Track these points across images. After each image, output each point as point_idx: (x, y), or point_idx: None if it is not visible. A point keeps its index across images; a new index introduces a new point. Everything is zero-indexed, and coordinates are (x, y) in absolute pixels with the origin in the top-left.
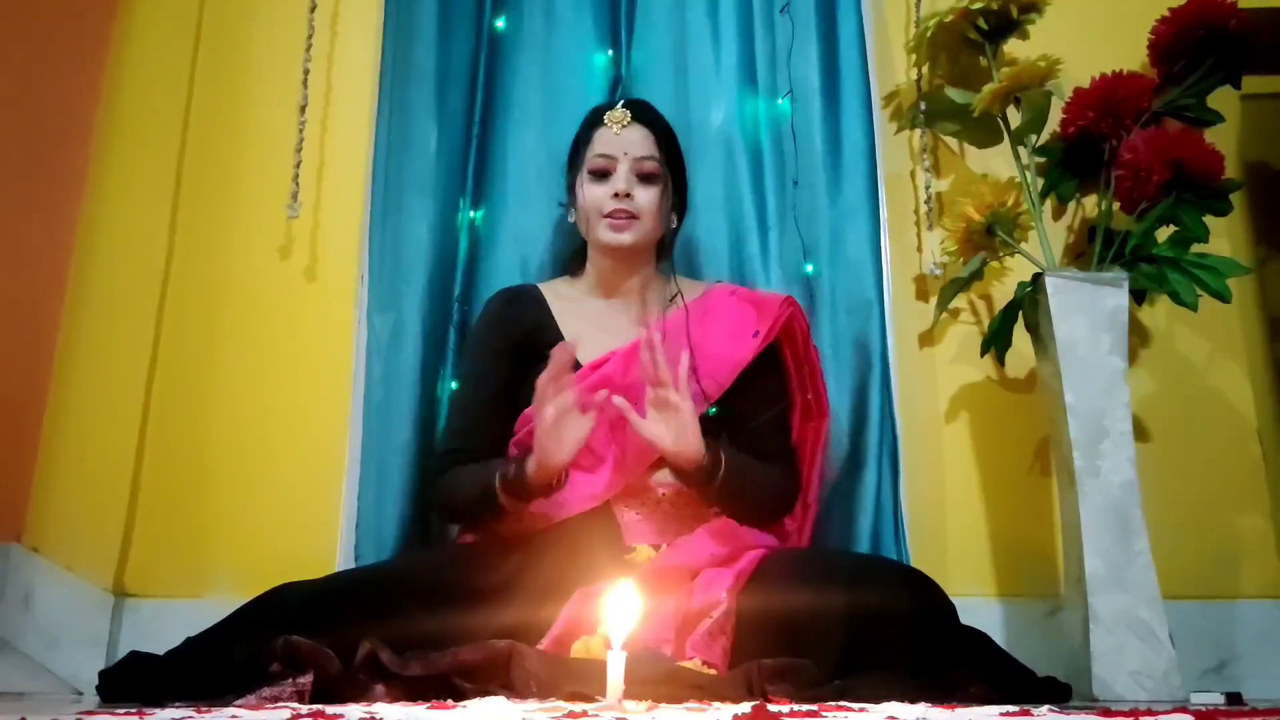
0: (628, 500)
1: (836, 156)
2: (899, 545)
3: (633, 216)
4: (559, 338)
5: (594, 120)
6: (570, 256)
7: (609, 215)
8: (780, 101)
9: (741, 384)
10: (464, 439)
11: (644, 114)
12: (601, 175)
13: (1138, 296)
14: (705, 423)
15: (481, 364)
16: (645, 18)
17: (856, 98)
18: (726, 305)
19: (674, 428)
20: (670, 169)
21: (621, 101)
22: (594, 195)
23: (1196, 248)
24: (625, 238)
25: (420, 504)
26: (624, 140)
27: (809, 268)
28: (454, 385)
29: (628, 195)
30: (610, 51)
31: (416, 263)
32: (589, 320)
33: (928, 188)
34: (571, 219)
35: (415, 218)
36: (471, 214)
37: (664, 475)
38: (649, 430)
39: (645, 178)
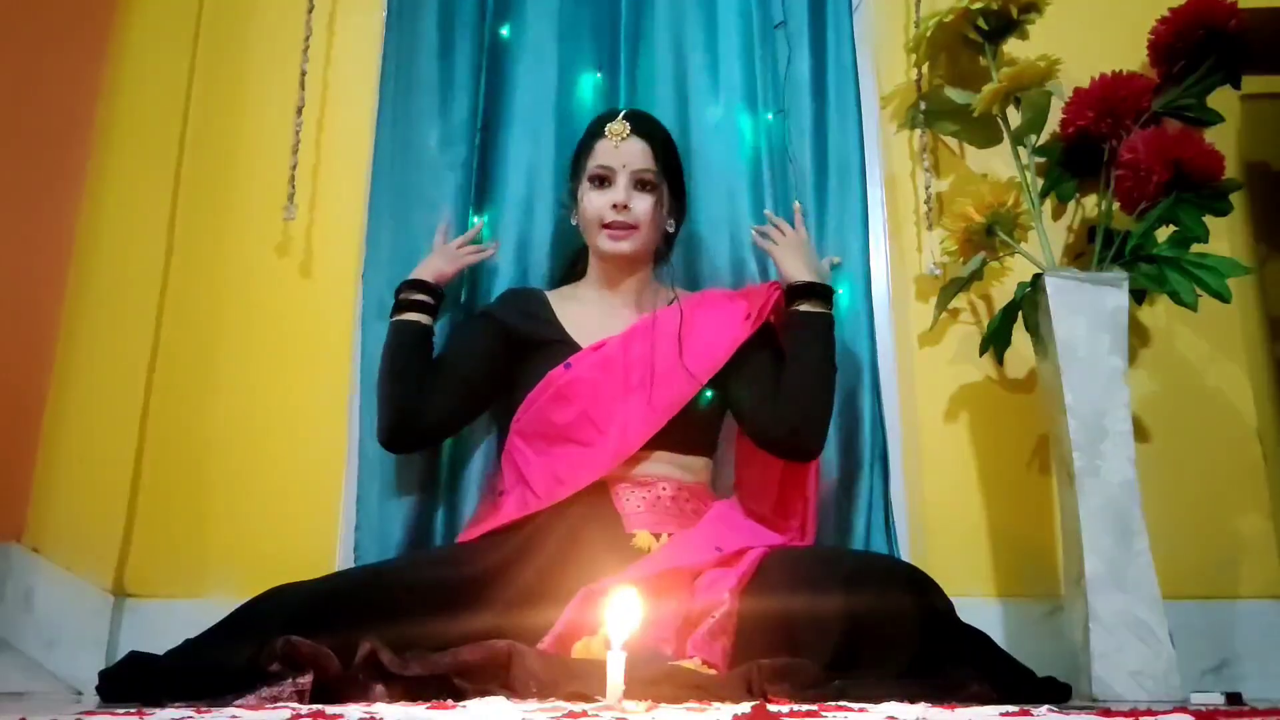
0: (629, 492)
1: (829, 172)
2: (891, 549)
3: (631, 227)
4: (559, 331)
5: (595, 130)
6: (574, 261)
7: (608, 226)
8: (779, 114)
9: (739, 367)
10: None
11: (643, 126)
12: (601, 185)
13: (1138, 296)
14: (699, 405)
15: (470, 326)
16: (645, 32)
17: (851, 112)
18: (719, 297)
19: (783, 246)
20: (668, 175)
21: (622, 113)
22: (594, 205)
23: (1196, 248)
24: (624, 246)
25: (423, 504)
26: (623, 153)
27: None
28: None
29: (626, 207)
30: (610, 66)
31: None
32: (589, 311)
33: (928, 188)
34: (574, 221)
35: (419, 225)
36: (474, 221)
37: (664, 469)
38: (771, 249)
39: (643, 188)
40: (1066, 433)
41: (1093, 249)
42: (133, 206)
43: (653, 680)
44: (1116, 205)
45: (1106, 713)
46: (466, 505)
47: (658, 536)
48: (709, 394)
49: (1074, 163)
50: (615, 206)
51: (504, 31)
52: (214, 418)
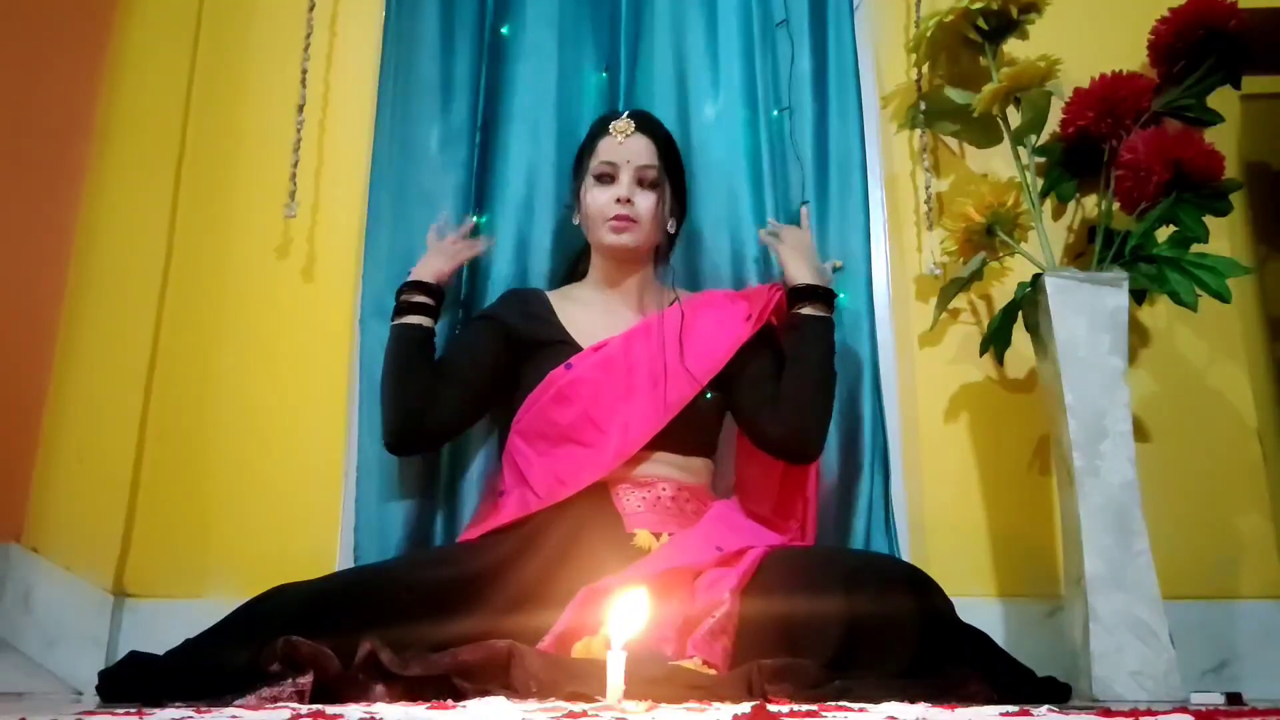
0: (629, 493)
1: (830, 171)
2: (891, 549)
3: (633, 221)
4: (560, 331)
5: (599, 129)
6: (575, 261)
7: (612, 219)
8: (785, 111)
9: (740, 368)
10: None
11: (647, 124)
12: (605, 181)
13: (1138, 296)
14: (700, 405)
15: (472, 327)
16: (646, 31)
17: (852, 112)
18: (720, 298)
19: (789, 246)
20: (670, 175)
21: (627, 112)
22: (598, 200)
23: (1196, 248)
24: (626, 239)
25: (423, 505)
26: (627, 150)
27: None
28: None
29: (629, 201)
30: (611, 65)
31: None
32: (590, 311)
33: (928, 188)
34: (576, 221)
35: (419, 224)
36: (474, 220)
37: (665, 470)
38: (777, 247)
39: (645, 184)
40: (1066, 433)
41: (1093, 249)
42: (133, 206)
43: (653, 680)
44: (1116, 205)
45: (1106, 713)
46: (466, 506)
47: (658, 536)
48: (709, 395)
49: (1074, 163)
50: (619, 201)
51: (504, 30)
52: (214, 418)
